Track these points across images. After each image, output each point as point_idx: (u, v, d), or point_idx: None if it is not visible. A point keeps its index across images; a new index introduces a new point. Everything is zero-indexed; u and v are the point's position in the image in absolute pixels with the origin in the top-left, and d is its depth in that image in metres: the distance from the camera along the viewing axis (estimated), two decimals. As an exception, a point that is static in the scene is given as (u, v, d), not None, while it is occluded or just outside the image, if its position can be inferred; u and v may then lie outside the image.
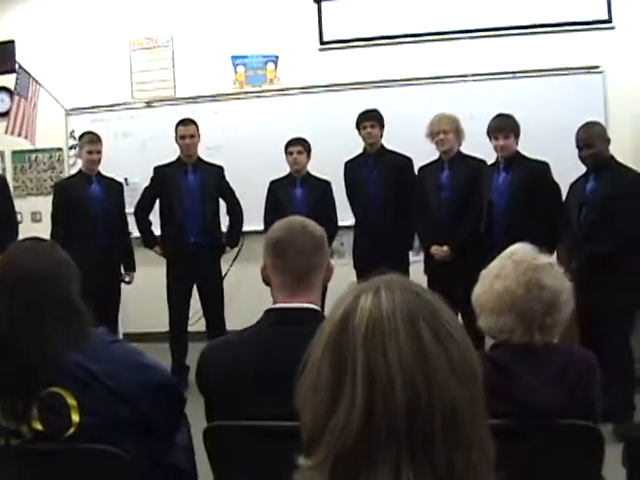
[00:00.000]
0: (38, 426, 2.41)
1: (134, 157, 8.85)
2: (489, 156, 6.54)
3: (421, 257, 6.93)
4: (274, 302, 2.73)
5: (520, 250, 2.78)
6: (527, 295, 2.63)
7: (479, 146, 6.59)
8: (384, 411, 1.24)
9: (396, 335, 1.28)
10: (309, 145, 7.35)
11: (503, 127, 6.29)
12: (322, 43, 8.87)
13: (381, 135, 7.15)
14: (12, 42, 9.34)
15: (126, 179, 8.53)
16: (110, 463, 2.41)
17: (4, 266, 2.56)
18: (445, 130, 6.61)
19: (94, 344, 2.53)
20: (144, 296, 8.09)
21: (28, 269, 2.50)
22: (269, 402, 2.38)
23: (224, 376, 2.61)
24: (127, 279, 7.46)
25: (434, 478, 1.24)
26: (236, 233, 7.66)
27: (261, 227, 7.05)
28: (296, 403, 1.36)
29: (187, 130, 7.34)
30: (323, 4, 8.83)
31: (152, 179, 7.51)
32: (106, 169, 7.53)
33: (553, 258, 2.78)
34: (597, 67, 8.32)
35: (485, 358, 2.63)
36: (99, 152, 7.27)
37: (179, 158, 7.42)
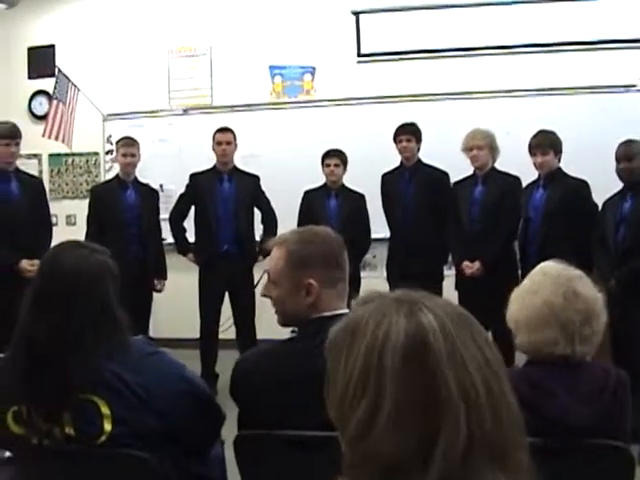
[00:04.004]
0: (71, 431, 2.43)
1: (170, 163, 8.88)
2: (525, 173, 6.50)
3: (453, 271, 6.89)
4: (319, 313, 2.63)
5: (551, 265, 2.78)
6: (566, 304, 2.61)
7: (514, 163, 6.58)
8: (479, 427, 1.22)
9: (465, 347, 1.26)
10: (346, 157, 7.35)
11: (541, 144, 6.25)
12: (360, 55, 8.86)
13: (418, 149, 7.12)
14: (52, 46, 9.45)
15: (161, 185, 8.59)
16: (138, 468, 2.43)
17: (44, 274, 2.57)
18: (479, 146, 6.57)
19: (133, 355, 2.54)
20: (175, 302, 8.11)
21: (69, 278, 2.49)
22: (305, 413, 2.35)
23: (259, 387, 2.57)
24: (158, 287, 7.45)
25: None
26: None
27: (294, 237, 7.02)
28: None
29: (224, 137, 7.34)
30: (361, 16, 8.83)
31: (187, 186, 7.53)
32: (142, 175, 7.58)
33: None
34: (634, 85, 8.26)
35: (518, 374, 2.62)
36: (133, 155, 7.29)
37: (215, 166, 7.43)
